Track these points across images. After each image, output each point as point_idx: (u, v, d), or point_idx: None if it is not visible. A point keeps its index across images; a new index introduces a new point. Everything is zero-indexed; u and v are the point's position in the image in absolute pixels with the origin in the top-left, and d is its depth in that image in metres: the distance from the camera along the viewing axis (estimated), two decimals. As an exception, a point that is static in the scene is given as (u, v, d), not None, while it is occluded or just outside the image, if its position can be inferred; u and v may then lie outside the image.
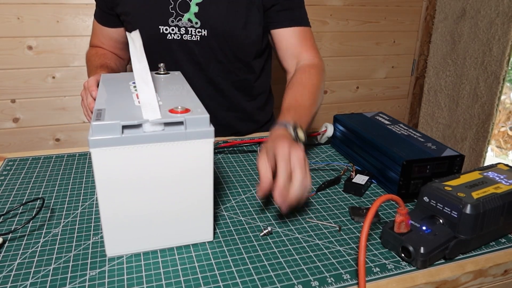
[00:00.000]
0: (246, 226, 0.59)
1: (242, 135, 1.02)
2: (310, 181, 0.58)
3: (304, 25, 0.94)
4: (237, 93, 1.00)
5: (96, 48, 1.03)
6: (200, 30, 0.89)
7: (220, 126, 0.99)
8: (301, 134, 0.68)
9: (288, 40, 0.93)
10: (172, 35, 0.89)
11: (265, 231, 0.57)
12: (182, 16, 0.88)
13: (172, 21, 0.88)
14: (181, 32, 0.89)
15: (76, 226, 0.58)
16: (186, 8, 0.87)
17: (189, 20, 0.87)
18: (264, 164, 0.57)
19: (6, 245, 0.54)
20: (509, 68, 1.64)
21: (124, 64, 1.08)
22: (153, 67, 0.93)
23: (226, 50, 0.92)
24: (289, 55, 0.94)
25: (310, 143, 0.90)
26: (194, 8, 0.87)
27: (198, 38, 0.89)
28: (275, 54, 0.98)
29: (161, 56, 0.91)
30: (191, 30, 0.89)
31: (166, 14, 0.88)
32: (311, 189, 0.63)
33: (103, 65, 0.93)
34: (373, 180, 0.73)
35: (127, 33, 0.62)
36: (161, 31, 0.89)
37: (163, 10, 0.88)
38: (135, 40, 0.57)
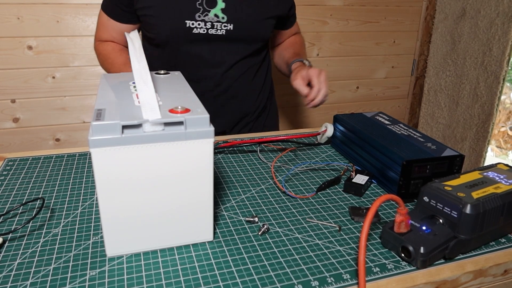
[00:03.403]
0: (246, 226, 0.59)
1: (247, 123, 1.12)
2: (327, 91, 0.90)
3: (295, 21, 1.17)
4: (253, 82, 1.09)
5: (108, 43, 1.04)
6: (226, 24, 0.95)
7: (231, 114, 1.08)
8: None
9: (289, 33, 1.18)
10: (198, 29, 0.94)
11: (262, 229, 0.57)
12: (209, 11, 0.93)
13: (199, 16, 0.93)
14: (207, 27, 0.94)
15: (76, 226, 0.58)
16: (213, 4, 0.93)
17: (216, 15, 0.93)
18: (301, 84, 0.91)
19: (6, 245, 0.54)
20: (509, 68, 1.64)
21: None
22: (176, 60, 1.00)
23: (247, 42, 1.00)
24: (284, 38, 1.19)
25: (310, 143, 0.91)
26: (221, 4, 0.93)
27: (224, 32, 0.96)
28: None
29: (186, 48, 0.97)
30: (217, 25, 0.95)
31: (193, 10, 0.92)
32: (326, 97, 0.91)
33: (126, 63, 0.96)
34: (373, 180, 0.73)
35: (125, 33, 0.62)
36: (187, 25, 0.93)
37: (191, 6, 0.92)
38: (134, 40, 0.57)
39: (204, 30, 0.94)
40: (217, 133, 1.03)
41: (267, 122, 1.16)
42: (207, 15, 0.93)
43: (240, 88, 1.06)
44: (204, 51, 0.98)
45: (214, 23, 0.94)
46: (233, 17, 0.95)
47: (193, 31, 0.94)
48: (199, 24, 0.93)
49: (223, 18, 0.94)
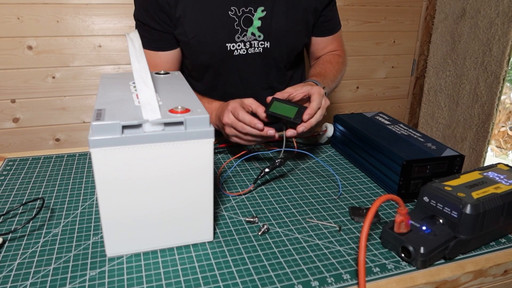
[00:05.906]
0: (246, 226, 0.59)
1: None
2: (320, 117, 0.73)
3: (339, 29, 1.06)
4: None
5: None
6: (263, 42, 0.93)
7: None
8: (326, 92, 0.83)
9: (324, 43, 1.05)
10: (239, 50, 0.92)
11: (262, 229, 0.57)
12: (246, 31, 0.91)
13: (238, 37, 0.91)
14: (246, 47, 0.93)
15: (76, 226, 0.58)
16: (249, 23, 0.90)
17: (253, 34, 0.91)
18: (296, 88, 0.75)
19: (6, 245, 0.54)
20: (509, 68, 1.64)
21: None
22: (220, 84, 0.95)
23: (284, 57, 0.98)
24: (321, 52, 1.06)
25: (310, 143, 0.90)
26: (257, 23, 0.91)
27: (261, 50, 0.94)
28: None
29: (228, 71, 0.95)
30: (255, 43, 0.93)
31: (232, 31, 0.90)
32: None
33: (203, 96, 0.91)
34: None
35: (126, 33, 0.62)
36: (228, 48, 0.91)
37: (229, 28, 0.89)
38: (134, 40, 0.57)
39: (244, 51, 0.93)
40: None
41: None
42: (245, 35, 0.91)
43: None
44: (245, 71, 0.96)
45: (252, 42, 0.92)
46: (269, 34, 0.93)
47: (234, 53, 0.92)
48: (239, 46, 0.91)
49: (259, 36, 0.92)
